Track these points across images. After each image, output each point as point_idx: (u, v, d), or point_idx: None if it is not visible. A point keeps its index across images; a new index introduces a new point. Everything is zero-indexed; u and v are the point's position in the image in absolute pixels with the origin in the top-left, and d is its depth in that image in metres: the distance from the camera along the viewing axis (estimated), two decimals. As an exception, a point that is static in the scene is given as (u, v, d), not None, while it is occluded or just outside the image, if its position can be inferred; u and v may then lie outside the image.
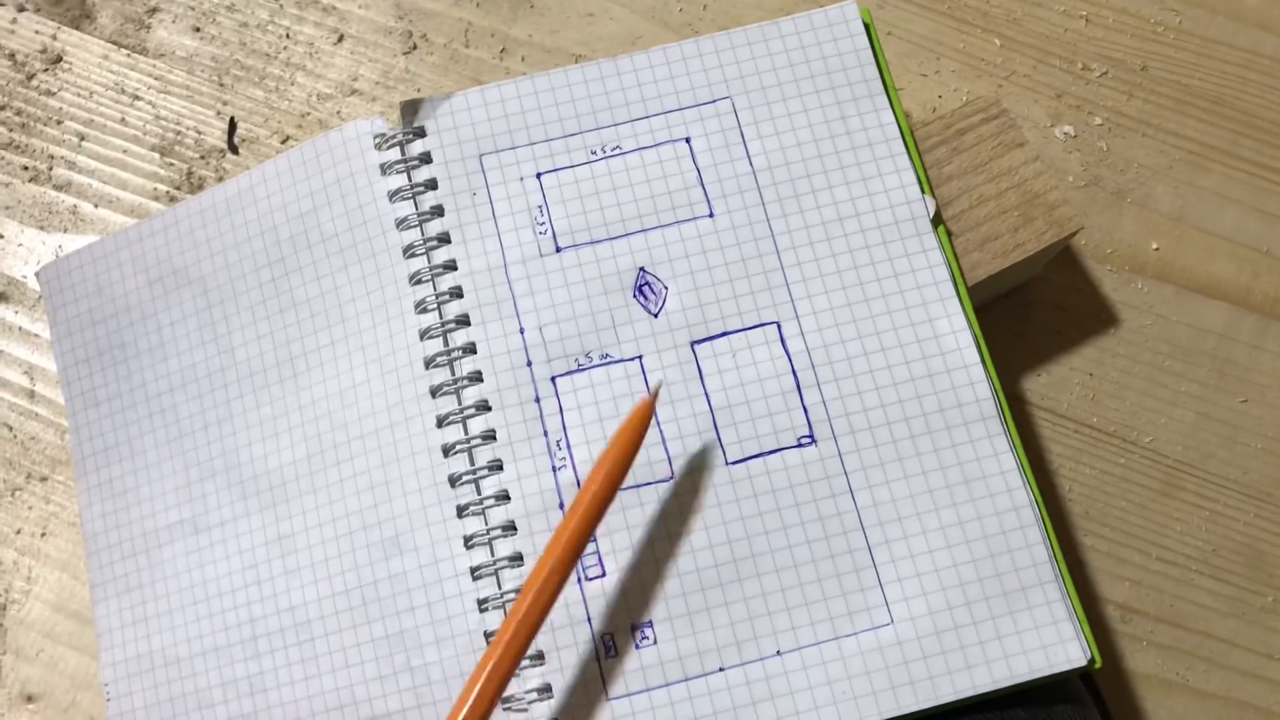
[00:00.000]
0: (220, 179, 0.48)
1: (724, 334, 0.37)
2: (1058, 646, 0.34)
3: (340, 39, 0.49)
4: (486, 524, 0.35)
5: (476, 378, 0.36)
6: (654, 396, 0.34)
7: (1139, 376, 0.45)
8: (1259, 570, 0.44)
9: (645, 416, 0.34)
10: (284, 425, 0.38)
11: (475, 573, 0.35)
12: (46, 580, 0.44)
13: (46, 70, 0.49)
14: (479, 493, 0.35)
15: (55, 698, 0.43)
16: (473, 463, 0.36)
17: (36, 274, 0.43)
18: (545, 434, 0.36)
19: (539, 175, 0.38)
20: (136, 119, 0.49)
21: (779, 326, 0.37)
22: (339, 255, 0.38)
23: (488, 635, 0.34)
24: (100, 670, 0.39)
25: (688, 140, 0.38)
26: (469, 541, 0.35)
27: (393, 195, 0.38)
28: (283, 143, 0.48)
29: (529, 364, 0.36)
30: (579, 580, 0.35)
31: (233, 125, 0.48)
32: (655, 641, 0.34)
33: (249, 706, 0.37)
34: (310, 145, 0.39)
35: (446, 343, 0.37)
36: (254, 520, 0.38)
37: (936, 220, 0.38)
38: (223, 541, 0.38)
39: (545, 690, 0.34)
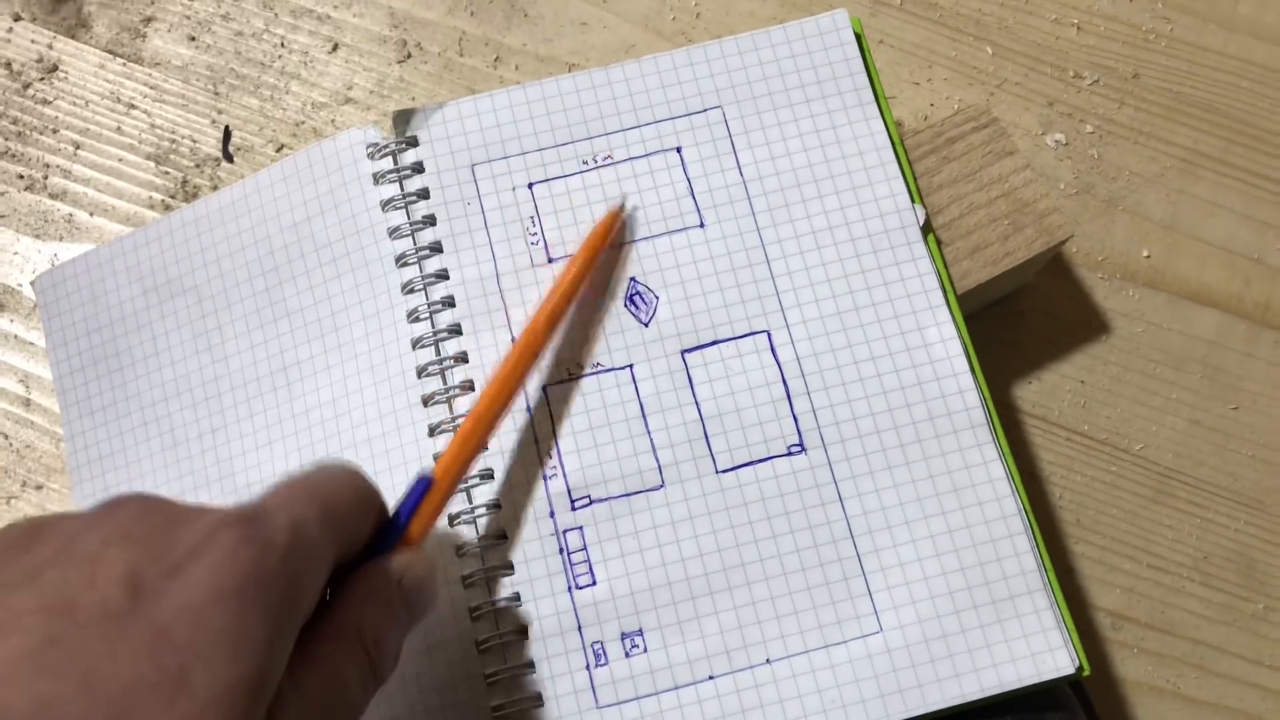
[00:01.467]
0: (215, 188, 0.48)
1: (714, 343, 0.37)
2: (1046, 655, 0.34)
3: (335, 48, 0.50)
4: (478, 532, 0.35)
5: (469, 387, 0.36)
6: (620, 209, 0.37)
7: (1130, 384, 0.45)
8: (1250, 577, 0.44)
9: (611, 222, 0.37)
10: (277, 434, 0.38)
11: (466, 581, 0.35)
12: (42, 588, 0.44)
13: (42, 79, 0.49)
14: (470, 502, 0.36)
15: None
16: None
17: (32, 283, 0.43)
18: (536, 442, 0.36)
19: (531, 185, 0.38)
20: (132, 128, 0.49)
21: (769, 335, 0.37)
22: (332, 264, 0.39)
23: (479, 644, 0.35)
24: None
25: (678, 150, 0.38)
26: (460, 550, 0.35)
27: (385, 205, 0.38)
28: (277, 151, 0.48)
29: (520, 373, 0.37)
30: (569, 589, 0.35)
31: (227, 134, 0.49)
32: (645, 650, 0.34)
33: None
34: (304, 155, 0.39)
35: (438, 352, 0.37)
36: (247, 528, 0.38)
37: (926, 229, 0.38)
38: (216, 549, 0.38)
39: (536, 699, 0.34)
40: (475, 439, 0.33)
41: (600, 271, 0.37)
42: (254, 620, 0.23)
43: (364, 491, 0.29)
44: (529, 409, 0.36)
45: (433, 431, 0.36)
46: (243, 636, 0.23)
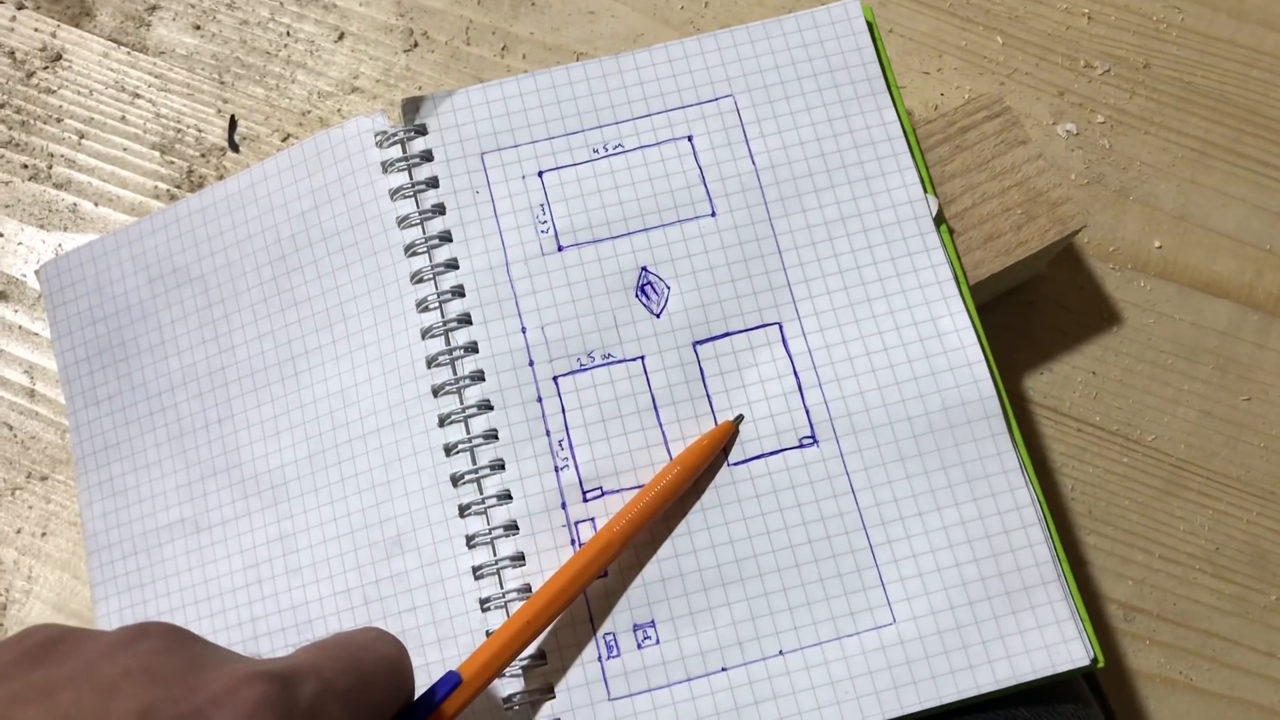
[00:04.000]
0: (220, 177, 0.48)
1: (726, 334, 0.37)
2: (1060, 646, 0.34)
3: (341, 36, 0.49)
4: (488, 523, 0.35)
5: (478, 377, 0.36)
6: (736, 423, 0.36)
7: (1142, 375, 0.45)
8: (1262, 569, 0.44)
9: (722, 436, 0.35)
10: (285, 424, 0.38)
11: (477, 572, 0.35)
12: (47, 580, 0.44)
13: (46, 68, 0.49)
14: (481, 492, 0.35)
15: (56, 697, 0.43)
16: (474, 462, 0.36)
17: (36, 272, 0.42)
18: (547, 434, 0.36)
19: (541, 173, 0.38)
20: (137, 117, 0.48)
21: (780, 327, 0.37)
22: (340, 254, 0.38)
23: (489, 635, 0.34)
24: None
25: (690, 138, 0.38)
26: (471, 541, 0.35)
27: (394, 193, 0.38)
28: (283, 141, 0.48)
29: (531, 363, 0.36)
30: (581, 580, 0.35)
31: (233, 123, 0.48)
32: (657, 641, 0.34)
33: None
34: (311, 143, 0.39)
35: (448, 342, 0.37)
36: (255, 519, 0.38)
37: (939, 219, 0.38)
38: (224, 541, 0.38)
39: (547, 690, 0.34)
40: (516, 645, 0.32)
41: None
42: None
43: (399, 673, 0.28)
44: (539, 399, 0.36)
45: (443, 422, 0.36)
46: None
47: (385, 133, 0.38)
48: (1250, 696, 0.42)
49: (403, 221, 0.38)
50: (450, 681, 0.31)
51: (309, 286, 0.38)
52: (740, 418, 0.36)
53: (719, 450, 0.35)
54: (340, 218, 0.38)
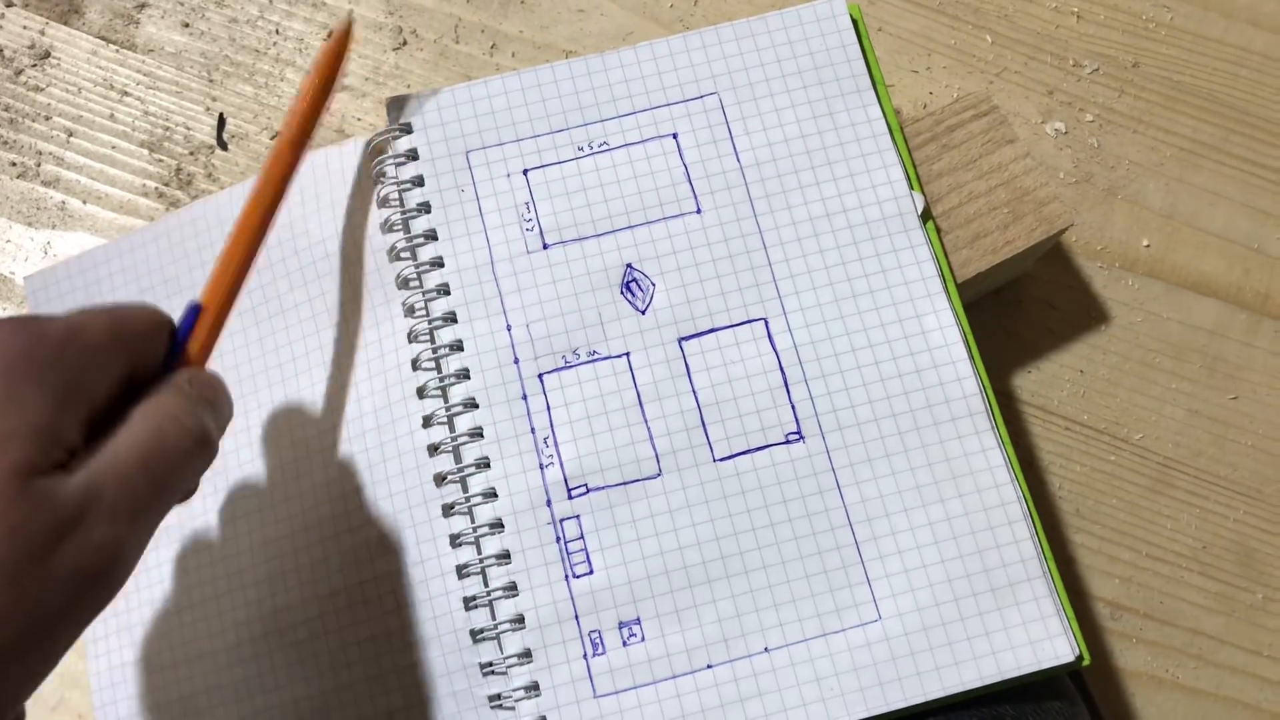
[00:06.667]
0: (209, 175, 0.48)
1: (711, 330, 0.37)
2: (1046, 643, 0.34)
3: (330, 34, 0.49)
4: (473, 522, 0.35)
5: (464, 375, 0.36)
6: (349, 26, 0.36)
7: (1129, 374, 0.45)
8: (1248, 567, 0.44)
9: (343, 41, 0.36)
10: (271, 430, 0.38)
11: (461, 571, 0.35)
12: (34, 578, 0.44)
13: (35, 66, 0.49)
14: (465, 490, 0.35)
15: (43, 696, 0.43)
16: (459, 460, 0.35)
17: (25, 280, 0.42)
18: (532, 431, 0.36)
19: (526, 172, 0.38)
20: (125, 115, 0.48)
21: (766, 323, 0.37)
22: (325, 260, 0.38)
23: (474, 634, 0.34)
24: (89, 679, 0.39)
25: (675, 136, 0.38)
26: (455, 540, 0.35)
27: (379, 194, 0.38)
28: (271, 139, 0.48)
29: (516, 361, 0.36)
30: (566, 578, 0.35)
31: (222, 121, 0.48)
32: (643, 639, 0.34)
33: (235, 713, 0.36)
34: (306, 163, 0.39)
35: (433, 340, 0.36)
36: (240, 525, 0.38)
37: (925, 217, 0.38)
38: (208, 546, 0.38)
39: (533, 688, 0.34)
40: (236, 260, 0.33)
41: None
42: (28, 389, 0.25)
43: (155, 317, 0.30)
44: (525, 397, 0.36)
45: (427, 423, 0.36)
46: (14, 399, 0.25)
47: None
48: (1237, 695, 0.42)
49: (387, 223, 0.37)
50: (193, 311, 0.32)
51: (295, 294, 0.38)
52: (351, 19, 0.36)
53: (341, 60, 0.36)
54: (326, 223, 0.38)
